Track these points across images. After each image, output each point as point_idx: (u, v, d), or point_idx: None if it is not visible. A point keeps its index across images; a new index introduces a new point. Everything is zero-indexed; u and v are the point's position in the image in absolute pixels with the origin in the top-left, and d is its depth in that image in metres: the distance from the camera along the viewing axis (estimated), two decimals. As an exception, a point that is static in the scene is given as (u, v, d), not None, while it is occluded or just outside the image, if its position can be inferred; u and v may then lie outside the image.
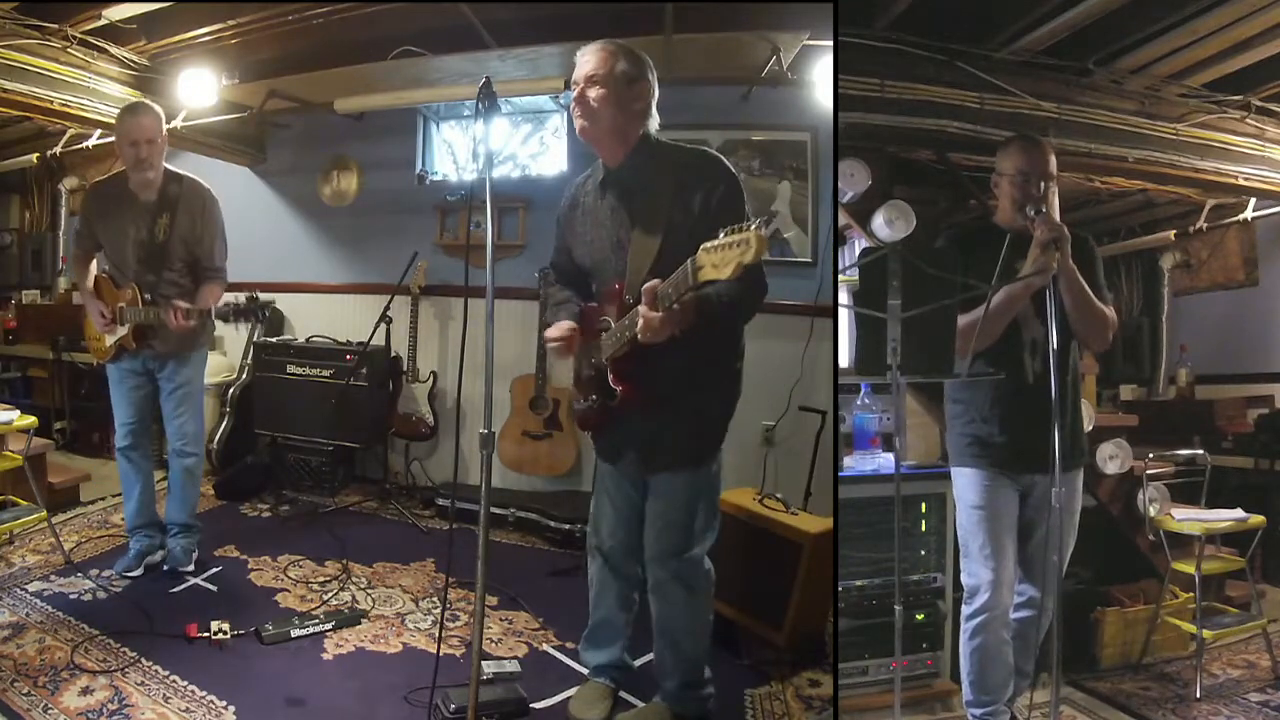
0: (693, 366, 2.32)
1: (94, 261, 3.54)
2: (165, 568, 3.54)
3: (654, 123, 2.40)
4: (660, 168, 2.34)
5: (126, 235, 3.34)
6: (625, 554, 2.65)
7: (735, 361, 2.45)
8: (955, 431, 2.68)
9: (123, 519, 3.73)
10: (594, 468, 2.73)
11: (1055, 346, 2.26)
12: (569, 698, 2.73)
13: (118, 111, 3.42)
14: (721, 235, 1.89)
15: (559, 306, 2.57)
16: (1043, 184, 2.49)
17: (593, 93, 2.30)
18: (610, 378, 2.36)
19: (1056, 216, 2.47)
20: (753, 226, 1.84)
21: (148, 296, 3.32)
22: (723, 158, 2.36)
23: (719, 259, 1.89)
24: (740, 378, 2.48)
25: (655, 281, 2.11)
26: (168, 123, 3.50)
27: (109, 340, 3.41)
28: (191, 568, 3.56)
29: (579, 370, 2.53)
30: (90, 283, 3.49)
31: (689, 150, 2.39)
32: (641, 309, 2.13)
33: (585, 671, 2.79)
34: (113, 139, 4.73)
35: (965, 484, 2.62)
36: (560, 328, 2.46)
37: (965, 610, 2.60)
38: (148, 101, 3.42)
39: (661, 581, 2.52)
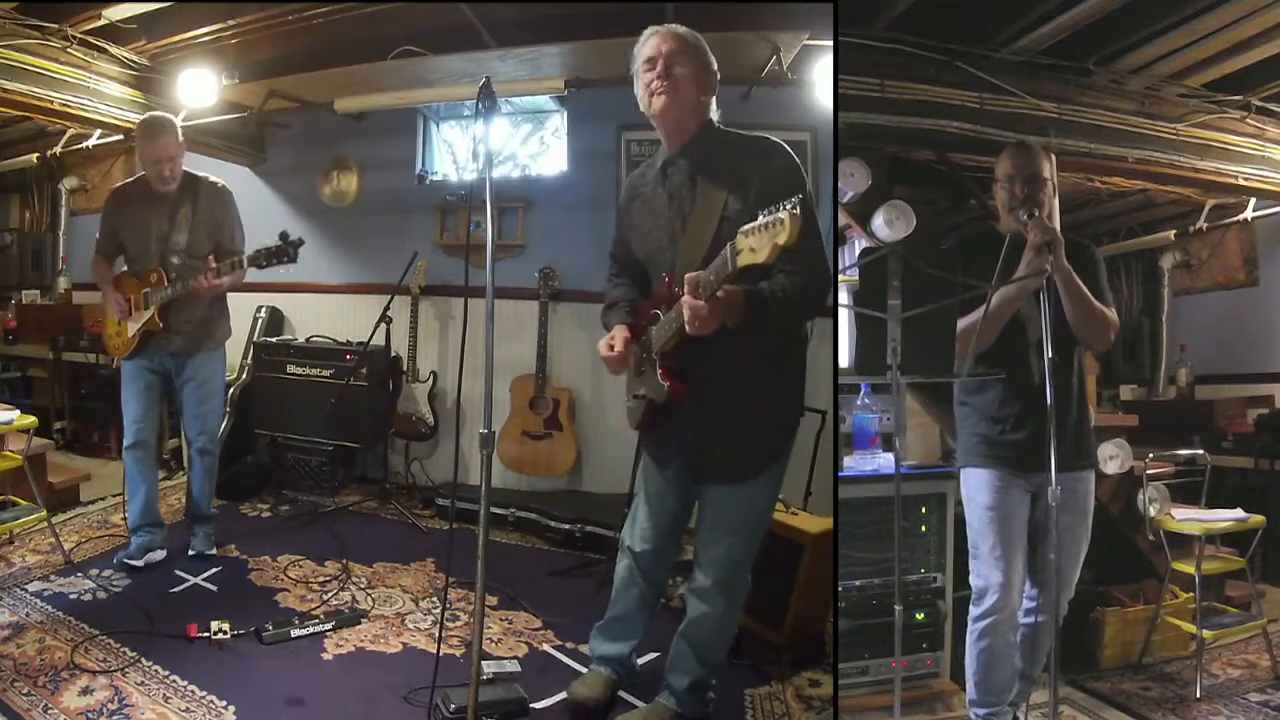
0: (744, 367, 2.24)
1: (113, 265, 3.61)
2: (190, 552, 3.64)
3: (715, 113, 2.35)
4: (720, 157, 2.28)
5: (149, 229, 3.42)
6: (654, 561, 2.62)
7: (794, 363, 2.36)
8: (965, 433, 2.66)
9: (122, 519, 3.74)
10: (634, 467, 2.68)
11: (1050, 348, 2.25)
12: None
13: (124, 112, 3.46)
14: (760, 217, 1.83)
15: (611, 309, 2.51)
16: (1030, 186, 2.48)
17: (678, 69, 2.23)
18: (658, 373, 2.30)
19: (1055, 220, 2.46)
20: (787, 206, 1.77)
21: (173, 276, 3.38)
22: (784, 146, 2.27)
23: (755, 242, 1.84)
24: (802, 381, 2.39)
25: (699, 271, 2.06)
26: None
27: (131, 330, 3.45)
28: (214, 552, 3.67)
29: (631, 366, 2.47)
30: (110, 281, 3.55)
31: (750, 139, 2.31)
32: (685, 297, 2.08)
33: (585, 670, 2.78)
34: (113, 139, 4.79)
35: (976, 484, 2.59)
36: (610, 341, 2.39)
37: (973, 611, 2.57)
38: (164, 116, 3.46)
39: (703, 587, 2.48)
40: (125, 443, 3.56)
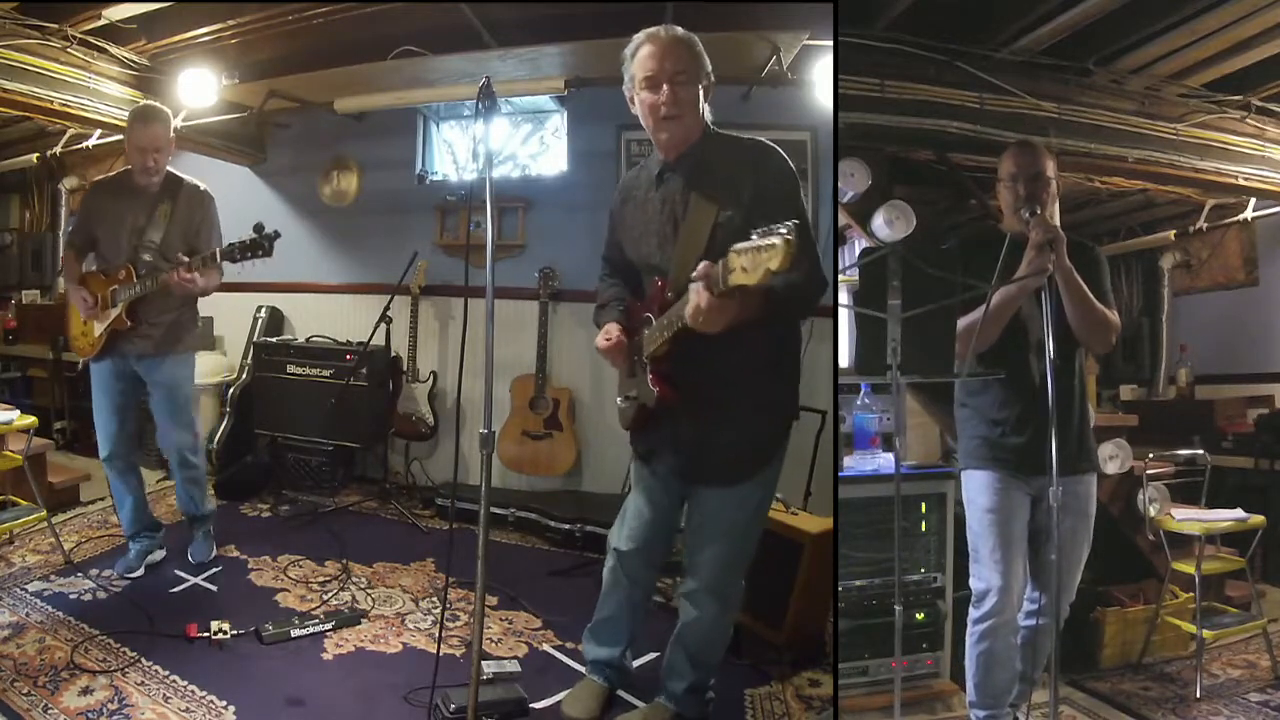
0: (738, 371, 2.21)
1: (84, 261, 3.51)
2: (191, 559, 3.60)
3: (709, 113, 2.30)
4: (715, 162, 2.25)
5: (124, 223, 3.33)
6: (641, 561, 2.59)
7: (789, 367, 2.34)
8: (966, 434, 2.65)
9: (122, 520, 3.74)
10: (627, 467, 2.68)
11: (1051, 347, 2.25)
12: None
13: (124, 112, 3.42)
14: (754, 236, 1.79)
15: (603, 308, 2.49)
16: (1033, 185, 2.46)
17: (683, 91, 2.18)
18: (649, 378, 2.28)
19: (1056, 219, 2.45)
20: (781, 230, 1.73)
21: (142, 273, 3.26)
22: (778, 149, 2.24)
23: (748, 262, 1.79)
24: (797, 382, 2.37)
25: (709, 263, 1.97)
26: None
27: (98, 329, 3.34)
28: (214, 554, 3.66)
29: (624, 366, 2.44)
30: (77, 278, 3.43)
31: (744, 142, 2.27)
32: (696, 288, 1.97)
33: (583, 671, 2.78)
34: (113, 139, 4.78)
35: (977, 487, 2.58)
36: (605, 335, 2.37)
37: (973, 614, 2.57)
38: (158, 106, 3.38)
39: (694, 591, 2.46)
40: (101, 454, 3.48)
